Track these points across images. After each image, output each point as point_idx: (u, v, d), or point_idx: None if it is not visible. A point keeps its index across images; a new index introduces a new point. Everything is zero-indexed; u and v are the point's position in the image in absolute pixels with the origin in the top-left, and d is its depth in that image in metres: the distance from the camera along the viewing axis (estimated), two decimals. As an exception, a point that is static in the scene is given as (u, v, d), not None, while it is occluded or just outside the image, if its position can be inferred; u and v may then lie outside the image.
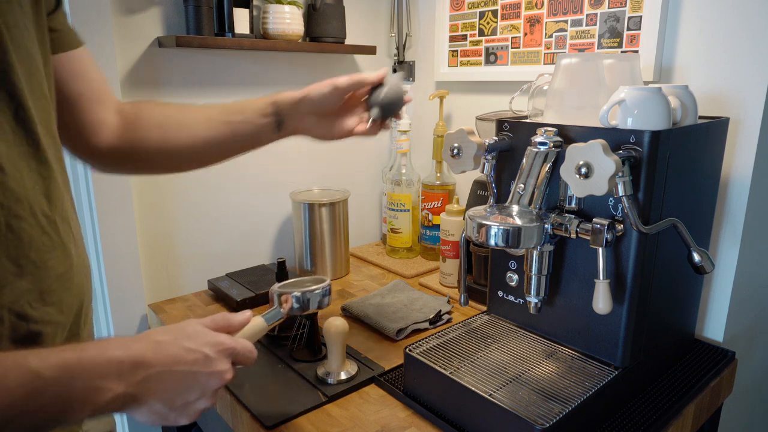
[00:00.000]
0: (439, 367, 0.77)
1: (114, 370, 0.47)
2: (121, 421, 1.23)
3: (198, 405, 0.54)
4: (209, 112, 0.76)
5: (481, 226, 0.69)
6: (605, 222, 0.68)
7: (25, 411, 0.41)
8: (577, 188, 0.65)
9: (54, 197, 0.51)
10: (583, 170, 0.63)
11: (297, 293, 0.70)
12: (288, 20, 1.20)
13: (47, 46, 0.54)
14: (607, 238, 0.68)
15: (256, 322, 0.66)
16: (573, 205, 0.74)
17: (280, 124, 0.78)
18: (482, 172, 0.81)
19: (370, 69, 1.47)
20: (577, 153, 0.64)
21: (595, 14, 1.05)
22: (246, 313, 0.64)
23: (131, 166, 0.78)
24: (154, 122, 0.73)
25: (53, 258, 0.51)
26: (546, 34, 1.14)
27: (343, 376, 0.85)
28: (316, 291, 0.71)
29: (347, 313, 1.09)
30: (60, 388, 0.43)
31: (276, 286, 0.72)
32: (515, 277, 0.85)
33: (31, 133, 0.50)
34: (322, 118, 0.81)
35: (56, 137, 0.55)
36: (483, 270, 1.10)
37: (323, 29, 1.28)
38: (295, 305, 0.70)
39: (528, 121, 0.84)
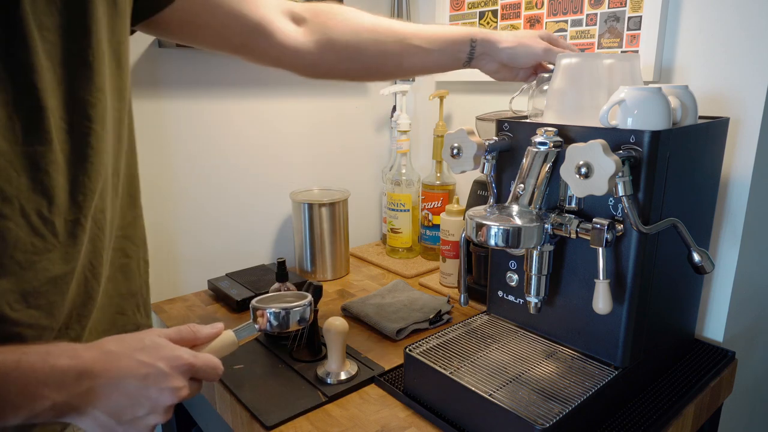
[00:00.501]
0: (439, 367, 0.77)
1: (56, 379, 0.45)
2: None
3: (148, 421, 0.51)
4: (406, 34, 0.81)
5: (481, 226, 0.69)
6: (605, 222, 0.68)
7: None
8: (577, 188, 0.65)
9: (57, 199, 0.50)
10: (583, 170, 0.63)
11: (273, 309, 0.64)
12: (288, 20, 1.20)
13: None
14: (607, 238, 0.68)
15: (225, 336, 0.62)
16: (573, 205, 0.74)
17: (470, 61, 0.84)
18: (482, 172, 0.81)
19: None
20: (577, 153, 0.64)
21: (595, 14, 1.05)
22: (217, 326, 0.61)
23: (326, 69, 0.82)
24: (343, 44, 0.78)
25: (45, 260, 0.49)
26: (546, 34, 1.14)
27: (343, 376, 0.85)
28: (295, 309, 0.65)
29: (347, 313, 1.09)
30: None
31: (254, 300, 0.67)
32: (515, 277, 0.85)
33: (42, 131, 0.48)
34: (508, 69, 0.86)
35: (106, 136, 0.53)
36: (483, 270, 1.10)
37: (323, 29, 1.27)
38: (272, 322, 0.64)
39: (528, 121, 0.84)
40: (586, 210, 0.74)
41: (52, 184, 0.50)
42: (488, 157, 0.80)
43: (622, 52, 1.02)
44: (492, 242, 0.69)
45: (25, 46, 0.46)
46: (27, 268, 0.48)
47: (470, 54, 0.83)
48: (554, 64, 0.80)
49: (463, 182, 1.36)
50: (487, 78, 1.27)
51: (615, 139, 0.68)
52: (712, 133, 0.82)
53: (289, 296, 0.69)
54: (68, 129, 0.51)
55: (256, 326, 0.65)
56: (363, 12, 0.82)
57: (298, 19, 0.77)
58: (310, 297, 0.67)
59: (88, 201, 0.53)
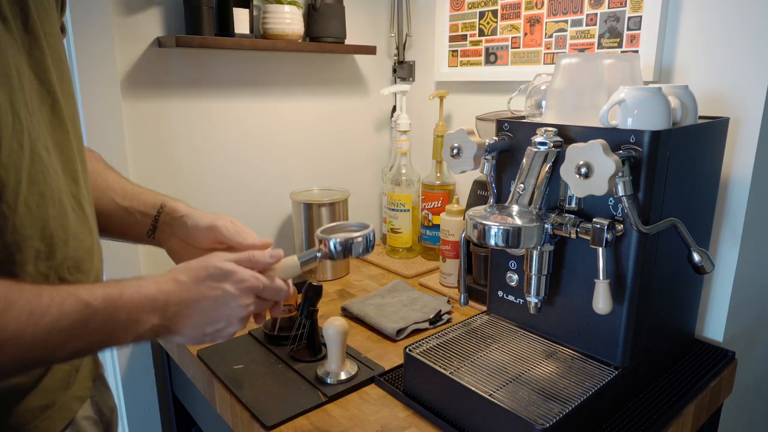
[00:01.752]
0: (439, 367, 0.77)
1: (149, 305, 0.53)
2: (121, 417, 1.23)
3: (228, 330, 0.59)
4: (112, 184, 0.71)
5: (481, 226, 0.69)
6: (605, 222, 0.68)
7: (81, 333, 0.48)
8: (577, 188, 0.65)
9: (79, 182, 0.57)
10: (583, 170, 0.63)
11: (337, 239, 0.66)
12: (288, 20, 1.20)
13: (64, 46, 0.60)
14: (607, 238, 0.68)
15: (290, 259, 0.66)
16: (573, 205, 0.74)
17: (153, 231, 0.72)
18: (482, 172, 0.81)
19: (370, 69, 1.48)
20: (577, 153, 0.64)
21: (595, 14, 1.05)
22: (276, 254, 0.65)
23: None
24: None
25: (83, 232, 0.57)
26: (546, 34, 1.14)
27: (343, 376, 0.85)
28: (357, 239, 0.66)
29: (347, 313, 1.09)
30: (106, 317, 0.49)
31: (319, 230, 0.68)
32: (515, 277, 0.85)
33: (63, 125, 0.55)
34: (192, 249, 0.71)
35: (79, 131, 0.60)
36: (483, 270, 1.10)
37: (323, 29, 1.28)
38: (335, 250, 0.66)
39: (528, 121, 0.84)
40: (586, 210, 0.74)
41: (74, 168, 0.57)
42: (488, 157, 0.80)
43: (622, 52, 1.02)
44: (492, 242, 0.69)
45: (40, 47, 0.52)
46: (78, 238, 0.55)
47: (154, 222, 0.71)
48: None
49: (463, 182, 1.36)
50: (487, 78, 1.28)
51: (615, 139, 0.68)
52: (712, 133, 0.82)
53: (352, 226, 0.70)
54: (72, 120, 0.57)
55: (319, 254, 0.67)
56: (100, 161, 0.73)
57: None
58: (371, 227, 0.69)
59: (87, 180, 0.60)
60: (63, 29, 0.64)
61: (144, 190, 0.73)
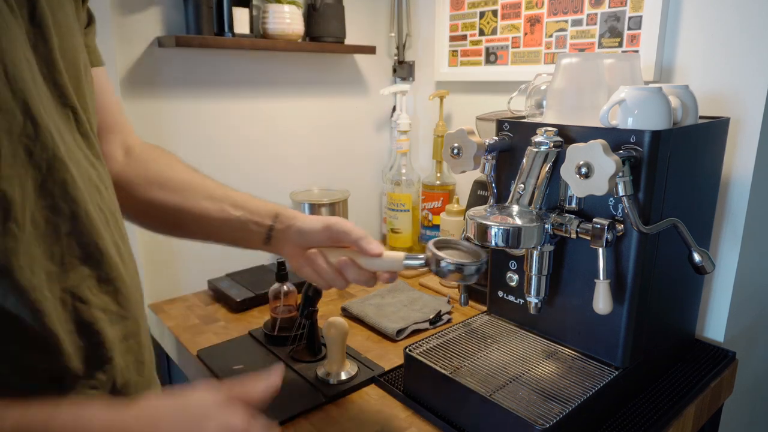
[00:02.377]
0: (439, 367, 0.77)
1: None
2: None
3: None
4: (215, 190, 0.72)
5: (481, 226, 0.69)
6: (605, 222, 0.68)
7: None
8: (577, 188, 0.65)
9: (103, 192, 0.53)
10: (583, 170, 0.63)
11: (450, 259, 0.65)
12: (288, 20, 1.20)
13: (87, 57, 0.55)
14: (607, 238, 0.68)
15: (395, 255, 0.67)
16: (573, 205, 0.74)
17: (269, 238, 0.72)
18: (482, 172, 0.81)
19: (370, 69, 1.47)
20: (577, 153, 0.64)
21: (596, 14, 1.05)
22: (272, 380, 0.56)
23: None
24: (157, 180, 0.69)
25: (111, 249, 0.52)
26: (546, 33, 1.14)
27: (343, 376, 0.85)
28: (471, 267, 0.66)
29: (347, 313, 1.09)
30: None
31: (431, 243, 0.69)
32: (515, 277, 0.85)
33: (81, 124, 0.51)
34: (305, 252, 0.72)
35: (95, 131, 0.55)
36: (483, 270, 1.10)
37: (323, 29, 1.28)
38: (446, 269, 0.65)
39: (528, 121, 0.84)
40: (586, 210, 0.73)
41: (100, 176, 0.53)
42: (488, 157, 0.80)
43: (622, 52, 1.01)
44: (492, 242, 0.69)
45: (47, 42, 0.47)
46: (104, 252, 0.50)
47: (270, 230, 0.72)
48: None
49: (463, 182, 1.36)
50: (487, 78, 1.28)
51: (615, 139, 0.68)
52: (712, 133, 0.82)
53: (462, 245, 0.70)
54: (89, 119, 0.54)
55: (424, 263, 0.68)
56: (183, 164, 0.74)
57: (128, 151, 0.70)
58: (485, 256, 0.67)
59: (111, 186, 0.56)
60: (90, 19, 0.60)
61: (249, 196, 0.73)
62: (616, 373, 0.75)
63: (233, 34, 1.14)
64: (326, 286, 0.71)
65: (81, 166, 0.49)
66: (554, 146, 0.72)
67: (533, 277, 0.77)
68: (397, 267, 0.68)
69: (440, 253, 0.66)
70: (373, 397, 0.83)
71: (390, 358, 0.92)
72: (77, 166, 0.48)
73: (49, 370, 0.46)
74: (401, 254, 0.68)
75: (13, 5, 0.43)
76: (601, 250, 0.69)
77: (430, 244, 0.68)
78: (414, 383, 0.81)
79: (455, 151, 0.79)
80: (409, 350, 0.81)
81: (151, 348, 0.59)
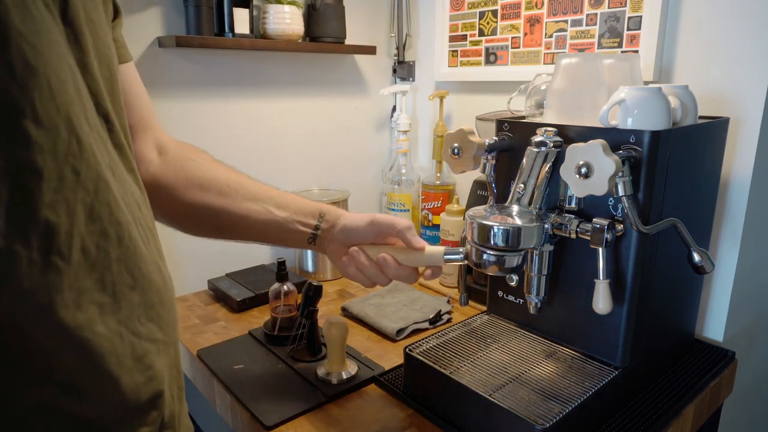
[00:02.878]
0: (439, 367, 0.77)
1: None
2: None
3: None
4: (257, 191, 0.71)
5: (481, 226, 0.69)
6: (605, 222, 0.68)
7: None
8: (577, 188, 0.65)
9: (142, 208, 0.47)
10: (583, 170, 0.63)
11: (495, 253, 0.68)
12: (288, 20, 1.20)
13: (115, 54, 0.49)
14: (607, 238, 0.68)
15: (436, 249, 0.69)
16: (573, 205, 0.74)
17: (314, 238, 0.73)
18: (482, 172, 0.81)
19: (370, 69, 1.47)
20: (577, 153, 0.64)
21: (595, 14, 1.05)
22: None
23: (159, 210, 0.68)
24: (197, 181, 0.67)
25: (153, 271, 0.47)
26: (546, 34, 1.14)
27: (343, 376, 0.85)
28: (513, 258, 0.68)
29: (347, 313, 1.09)
30: None
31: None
32: (515, 277, 0.85)
33: (121, 146, 0.46)
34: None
35: (130, 140, 0.49)
36: (443, 263, 1.10)
37: (323, 29, 1.28)
38: (487, 261, 0.68)
39: (528, 121, 0.84)
40: (586, 210, 0.74)
41: (134, 192, 0.47)
42: (488, 157, 0.80)
43: (622, 52, 1.02)
44: (492, 242, 0.69)
45: (81, 44, 0.41)
46: (148, 278, 0.46)
47: (315, 230, 0.73)
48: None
49: (463, 182, 1.36)
50: (487, 78, 1.28)
51: (615, 139, 0.68)
52: (712, 133, 0.82)
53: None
54: (123, 128, 0.47)
55: (464, 257, 0.70)
56: (221, 163, 0.74)
57: (162, 150, 0.69)
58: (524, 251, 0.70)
59: (146, 208, 0.51)
60: (117, 10, 0.53)
61: (292, 195, 0.74)
62: (616, 373, 0.75)
63: (233, 35, 1.14)
64: (370, 284, 0.72)
65: (119, 182, 0.44)
66: (554, 146, 0.72)
67: (533, 276, 0.77)
68: (437, 261, 0.69)
69: (482, 246, 0.68)
70: (373, 397, 0.83)
71: (390, 357, 0.92)
72: (117, 183, 0.43)
73: (99, 417, 0.41)
74: (441, 248, 0.70)
75: (49, 2, 0.38)
76: (600, 250, 0.69)
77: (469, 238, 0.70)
78: (414, 383, 0.81)
79: (455, 151, 0.79)
80: (409, 350, 0.81)
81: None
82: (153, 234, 0.49)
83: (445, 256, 0.70)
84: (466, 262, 0.70)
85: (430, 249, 0.69)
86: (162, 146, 0.68)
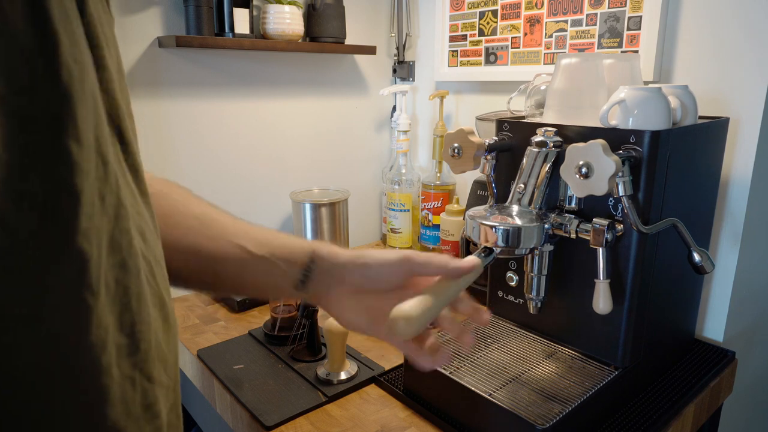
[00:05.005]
0: (439, 367, 0.77)
1: None
2: None
3: None
4: (234, 228, 0.59)
5: (481, 226, 0.69)
6: (605, 222, 0.68)
7: None
8: (577, 188, 0.65)
9: (148, 236, 0.41)
10: (583, 170, 0.63)
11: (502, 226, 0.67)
12: (288, 20, 1.20)
13: (121, 60, 0.41)
14: (607, 238, 0.68)
15: (477, 263, 0.60)
16: (573, 205, 0.74)
17: (305, 281, 0.58)
18: (482, 172, 0.81)
19: (370, 69, 1.47)
20: (577, 153, 0.64)
21: (595, 14, 1.05)
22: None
23: None
24: (166, 219, 0.56)
25: (155, 307, 0.42)
26: (546, 34, 1.14)
27: (343, 376, 0.85)
28: (528, 226, 0.68)
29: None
30: None
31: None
32: (515, 277, 0.85)
33: (136, 168, 0.39)
34: (365, 299, 0.59)
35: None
36: (483, 270, 1.10)
37: (323, 29, 1.28)
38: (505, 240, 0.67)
39: (528, 121, 0.84)
40: (586, 210, 0.74)
41: (147, 220, 0.42)
42: (488, 157, 0.80)
43: (622, 52, 1.02)
44: (492, 242, 0.69)
45: (96, 45, 0.36)
46: (151, 320, 0.39)
47: (306, 271, 0.58)
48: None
49: (463, 182, 1.36)
50: (487, 78, 1.28)
51: (615, 139, 0.68)
52: (712, 133, 0.82)
53: None
54: (136, 154, 0.41)
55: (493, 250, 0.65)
56: (193, 197, 0.62)
57: None
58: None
59: (152, 237, 0.46)
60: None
61: (276, 233, 0.60)
62: (616, 373, 0.75)
63: (233, 35, 1.14)
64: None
65: (135, 208, 0.38)
66: (554, 146, 0.72)
67: (533, 276, 0.77)
68: (478, 272, 0.60)
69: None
70: (373, 397, 0.83)
71: (390, 358, 0.92)
72: (133, 210, 0.37)
73: None
74: (475, 259, 0.61)
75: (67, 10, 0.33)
76: (600, 250, 0.69)
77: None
78: (414, 383, 0.81)
79: (455, 151, 0.79)
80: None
81: None
82: (162, 265, 0.44)
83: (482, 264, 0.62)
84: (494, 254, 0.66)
85: (468, 262, 0.59)
86: None
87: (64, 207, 0.31)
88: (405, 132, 1.37)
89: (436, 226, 1.32)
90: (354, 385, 0.84)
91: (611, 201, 0.71)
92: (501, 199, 0.83)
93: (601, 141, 0.63)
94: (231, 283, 0.58)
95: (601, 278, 0.69)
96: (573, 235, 0.71)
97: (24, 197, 0.28)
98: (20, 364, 0.30)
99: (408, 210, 1.37)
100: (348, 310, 0.59)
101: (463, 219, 0.98)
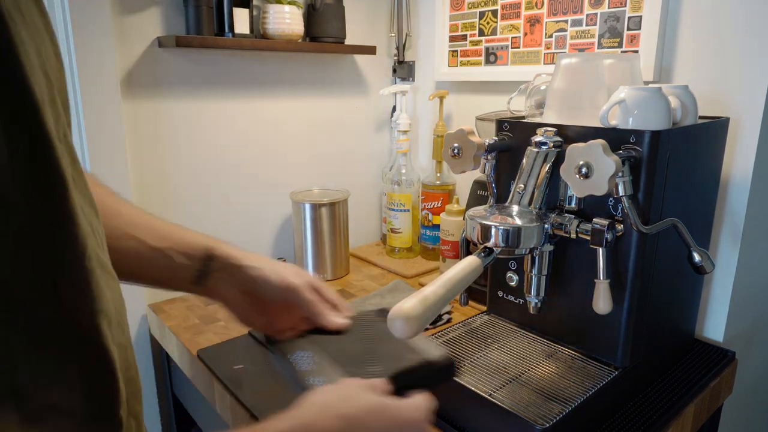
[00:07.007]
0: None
1: None
2: None
3: None
4: (138, 221, 0.59)
5: (481, 226, 0.69)
6: (605, 222, 0.68)
7: None
8: (577, 188, 0.65)
9: (100, 235, 0.38)
10: (583, 170, 0.63)
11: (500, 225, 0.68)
12: (288, 20, 1.20)
13: (59, 50, 0.37)
14: (607, 238, 0.68)
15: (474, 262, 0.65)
16: (573, 205, 0.74)
17: (202, 277, 0.60)
18: (482, 172, 0.81)
19: (370, 69, 1.47)
20: (577, 153, 0.64)
21: (595, 14, 1.05)
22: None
23: None
24: None
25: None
26: (546, 34, 1.14)
27: (343, 376, 0.85)
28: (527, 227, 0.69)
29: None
30: None
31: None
32: (515, 277, 0.85)
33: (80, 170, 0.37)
34: (254, 303, 0.63)
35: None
36: (483, 270, 1.10)
37: (323, 29, 1.28)
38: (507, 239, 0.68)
39: (528, 121, 0.84)
40: (586, 210, 0.74)
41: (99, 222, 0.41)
42: (488, 157, 0.80)
43: (622, 52, 1.02)
44: (492, 242, 0.69)
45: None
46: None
47: (204, 267, 0.60)
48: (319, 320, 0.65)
49: (463, 182, 1.36)
50: (487, 78, 1.28)
51: (615, 139, 0.68)
52: (712, 133, 0.82)
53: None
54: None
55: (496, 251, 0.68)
56: (104, 188, 0.60)
57: None
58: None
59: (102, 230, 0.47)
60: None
61: (177, 227, 0.61)
62: (616, 373, 0.75)
63: (233, 35, 1.14)
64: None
65: (87, 216, 0.36)
66: (554, 146, 0.72)
67: (533, 277, 0.77)
68: (479, 272, 0.65)
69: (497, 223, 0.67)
70: (373, 397, 0.83)
71: (390, 358, 0.92)
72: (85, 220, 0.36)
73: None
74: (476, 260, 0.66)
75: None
76: (600, 250, 0.69)
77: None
78: (414, 383, 0.81)
79: (455, 151, 0.79)
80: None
81: None
82: (107, 268, 0.41)
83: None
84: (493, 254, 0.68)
85: (337, 323, 0.63)
86: None
87: (102, 241, 0.34)
88: (405, 132, 1.37)
89: (436, 226, 1.32)
90: (354, 385, 0.84)
91: (611, 201, 0.71)
92: (501, 199, 0.83)
93: (601, 141, 0.63)
94: (128, 274, 0.57)
95: (601, 278, 0.69)
96: (573, 235, 0.71)
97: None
98: None
99: (408, 210, 1.37)
100: (244, 309, 0.62)
101: (463, 219, 0.98)
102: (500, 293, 0.89)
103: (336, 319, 0.63)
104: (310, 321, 0.64)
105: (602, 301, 0.69)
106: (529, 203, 0.72)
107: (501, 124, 0.82)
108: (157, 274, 0.59)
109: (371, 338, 0.66)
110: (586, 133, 0.71)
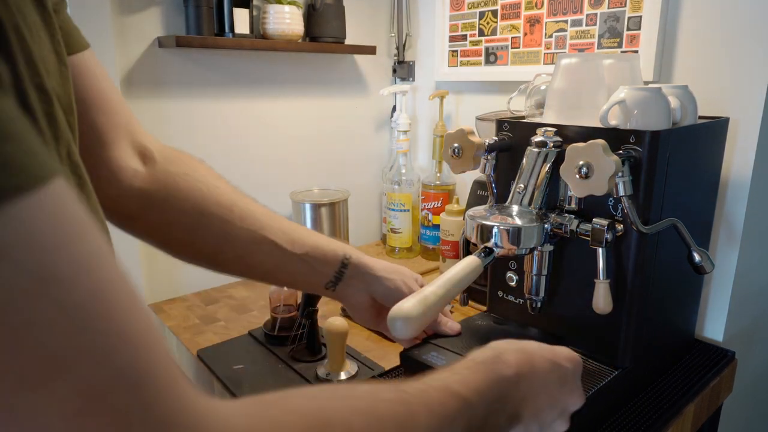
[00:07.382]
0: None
1: (509, 387, 0.45)
2: None
3: (556, 428, 0.50)
4: (267, 221, 0.60)
5: (481, 226, 0.69)
6: (605, 222, 0.68)
7: None
8: (577, 188, 0.65)
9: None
10: (583, 170, 0.63)
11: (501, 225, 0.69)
12: (288, 20, 1.20)
13: (62, 48, 0.36)
14: (607, 238, 0.68)
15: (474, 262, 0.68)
16: (573, 205, 0.74)
17: (336, 282, 0.64)
18: (482, 172, 0.81)
19: (370, 69, 1.47)
20: (577, 153, 0.64)
21: (595, 14, 1.05)
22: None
23: (142, 231, 0.58)
24: (197, 205, 0.57)
25: None
26: (546, 34, 1.14)
27: (343, 376, 0.85)
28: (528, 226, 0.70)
29: (347, 313, 1.09)
30: (482, 412, 0.41)
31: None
32: (515, 277, 0.85)
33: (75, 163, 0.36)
34: (382, 309, 0.66)
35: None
36: (483, 270, 1.10)
37: (323, 29, 1.28)
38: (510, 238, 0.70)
39: (528, 121, 0.84)
40: (586, 210, 0.74)
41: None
42: (488, 157, 0.80)
43: (622, 52, 1.02)
44: (492, 242, 0.69)
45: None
46: None
47: (338, 274, 0.64)
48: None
49: (463, 182, 1.36)
50: (487, 78, 1.28)
51: (615, 139, 0.68)
52: (712, 133, 0.82)
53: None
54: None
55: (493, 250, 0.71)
56: (222, 180, 0.63)
57: (146, 157, 0.56)
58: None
59: None
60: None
61: (305, 229, 0.63)
62: (616, 372, 0.75)
63: (233, 35, 1.14)
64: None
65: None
66: (554, 146, 0.72)
67: (533, 276, 0.77)
68: (479, 271, 0.69)
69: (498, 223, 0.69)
70: (373, 397, 0.83)
71: (390, 358, 0.92)
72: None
73: None
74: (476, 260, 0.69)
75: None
76: (600, 250, 0.69)
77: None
78: (414, 383, 0.81)
79: (455, 151, 0.79)
80: (408, 350, 0.81)
81: None
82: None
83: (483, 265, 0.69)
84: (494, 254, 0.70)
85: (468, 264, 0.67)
86: (145, 152, 0.56)
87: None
88: (405, 132, 1.37)
89: (436, 226, 1.32)
90: (354, 385, 0.84)
91: (611, 201, 0.71)
92: (501, 199, 0.83)
93: (601, 141, 0.63)
94: (260, 275, 0.62)
95: (601, 278, 0.69)
96: (573, 236, 0.71)
97: None
98: None
99: (408, 210, 1.37)
100: (369, 314, 0.67)
101: (463, 219, 0.98)
102: (500, 293, 0.89)
103: (453, 325, 0.74)
104: (430, 326, 0.70)
105: (602, 301, 0.69)
106: (529, 203, 0.72)
107: (501, 124, 0.82)
108: (291, 277, 0.63)
109: (481, 335, 0.79)
110: (586, 133, 0.71)
